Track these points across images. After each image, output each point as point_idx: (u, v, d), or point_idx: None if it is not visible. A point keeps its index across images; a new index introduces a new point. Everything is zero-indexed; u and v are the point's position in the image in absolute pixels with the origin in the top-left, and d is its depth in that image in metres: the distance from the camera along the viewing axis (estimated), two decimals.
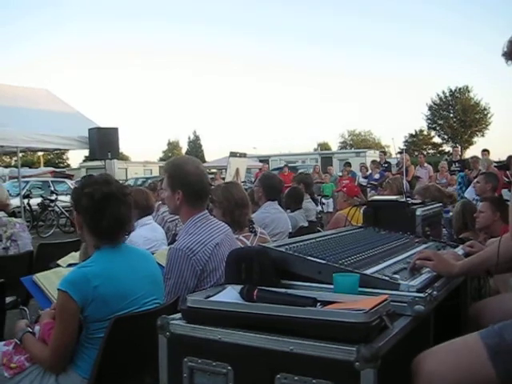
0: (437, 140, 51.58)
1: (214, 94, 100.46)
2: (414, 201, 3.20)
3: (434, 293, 1.72)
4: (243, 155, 14.53)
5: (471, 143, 47.55)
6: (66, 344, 2.08)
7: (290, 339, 1.41)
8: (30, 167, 29.66)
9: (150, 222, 4.26)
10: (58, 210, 14.41)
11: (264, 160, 27.98)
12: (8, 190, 5.36)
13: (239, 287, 1.68)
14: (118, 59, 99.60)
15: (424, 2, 75.50)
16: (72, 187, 14.97)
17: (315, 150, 47.07)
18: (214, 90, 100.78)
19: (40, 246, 4.43)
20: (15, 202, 10.22)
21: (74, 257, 3.34)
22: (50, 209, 14.40)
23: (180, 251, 2.46)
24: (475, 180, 6.46)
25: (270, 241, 3.54)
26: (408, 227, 2.72)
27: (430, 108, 49.42)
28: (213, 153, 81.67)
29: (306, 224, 5.61)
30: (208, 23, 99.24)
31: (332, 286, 1.70)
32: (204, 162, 29.85)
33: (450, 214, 4.43)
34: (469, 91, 48.24)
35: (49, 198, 14.89)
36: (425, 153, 42.63)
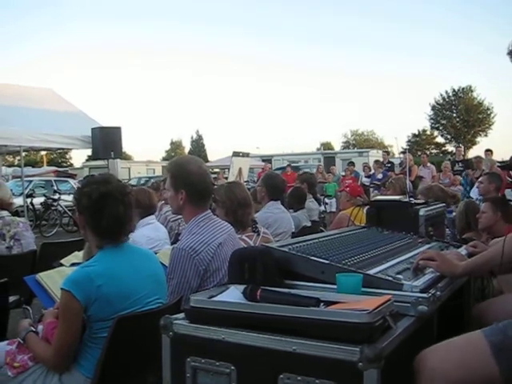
0: (440, 140, 51.59)
1: (215, 94, 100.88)
2: (417, 201, 3.19)
3: (438, 293, 1.72)
4: (246, 155, 14.53)
5: (474, 143, 47.46)
6: (69, 343, 2.09)
7: (293, 339, 1.41)
8: (33, 166, 29.69)
9: (152, 222, 4.26)
10: (60, 209, 14.41)
11: (267, 160, 27.99)
12: (11, 190, 5.35)
13: (242, 287, 1.68)
14: (118, 59, 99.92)
15: (424, 1, 75.54)
16: (75, 187, 15.00)
17: (318, 149, 47.07)
18: (215, 90, 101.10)
19: (43, 246, 4.43)
20: (18, 201, 10.23)
21: (77, 256, 3.34)
22: (53, 208, 14.40)
23: (183, 251, 2.46)
24: (479, 180, 6.44)
25: (273, 241, 3.54)
26: (411, 227, 2.72)
27: (433, 108, 49.36)
28: (216, 152, 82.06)
29: (308, 224, 5.60)
30: (208, 23, 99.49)
31: (335, 286, 1.70)
32: (207, 161, 29.87)
33: (454, 214, 4.41)
34: (472, 91, 48.19)
35: (52, 197, 14.90)
36: (428, 153, 42.66)
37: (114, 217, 2.18)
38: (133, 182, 23.90)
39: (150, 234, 4.06)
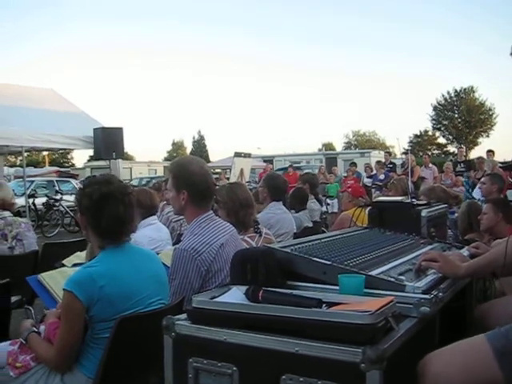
0: (442, 140, 51.58)
1: (216, 94, 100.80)
2: (419, 202, 3.19)
3: (440, 294, 1.72)
4: (248, 155, 14.50)
5: (476, 144, 47.44)
6: (71, 344, 2.09)
7: (295, 340, 1.41)
8: (35, 167, 29.80)
9: (154, 222, 4.27)
10: (62, 209, 14.43)
11: (268, 160, 27.99)
12: (13, 190, 5.36)
13: (244, 288, 1.68)
14: (118, 59, 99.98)
15: (424, 2, 75.46)
16: (77, 187, 15.02)
17: (320, 150, 47.04)
18: (216, 90, 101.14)
19: (45, 246, 4.44)
20: (20, 201, 10.23)
21: (79, 256, 3.35)
22: (54, 208, 14.43)
23: (185, 251, 2.46)
24: (481, 181, 6.42)
25: (275, 241, 3.54)
26: (413, 228, 2.72)
27: (435, 108, 49.34)
28: (217, 153, 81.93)
29: (310, 224, 5.60)
30: (208, 23, 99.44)
31: (337, 287, 1.70)
32: (208, 162, 29.92)
33: (456, 215, 4.41)
34: (474, 91, 48.16)
35: (54, 197, 14.92)
36: (429, 153, 42.54)
37: (113, 217, 2.17)
38: (134, 183, 23.91)
39: (151, 234, 4.06)
